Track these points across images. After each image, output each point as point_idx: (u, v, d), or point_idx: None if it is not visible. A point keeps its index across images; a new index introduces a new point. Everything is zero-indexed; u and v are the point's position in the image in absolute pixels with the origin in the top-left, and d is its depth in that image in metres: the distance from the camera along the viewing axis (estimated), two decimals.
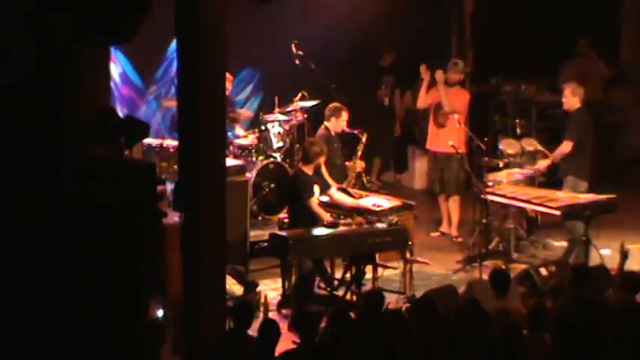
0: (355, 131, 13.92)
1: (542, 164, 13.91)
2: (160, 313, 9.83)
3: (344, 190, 13.14)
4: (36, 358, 8.25)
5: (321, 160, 12.63)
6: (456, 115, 14.31)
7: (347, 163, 13.84)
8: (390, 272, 12.87)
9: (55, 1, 8.32)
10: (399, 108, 17.07)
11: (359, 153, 13.94)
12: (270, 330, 8.97)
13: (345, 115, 13.52)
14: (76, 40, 8.60)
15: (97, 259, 8.29)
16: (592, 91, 16.19)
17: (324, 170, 12.94)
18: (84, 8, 8.22)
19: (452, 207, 14.78)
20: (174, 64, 14.41)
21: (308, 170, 12.49)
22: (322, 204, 12.49)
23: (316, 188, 12.44)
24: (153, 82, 15.74)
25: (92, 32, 8.43)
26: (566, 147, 13.50)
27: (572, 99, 13.65)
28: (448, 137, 14.30)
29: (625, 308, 8.97)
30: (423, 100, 14.80)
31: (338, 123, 13.51)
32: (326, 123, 13.57)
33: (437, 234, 14.86)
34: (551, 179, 13.99)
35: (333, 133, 13.50)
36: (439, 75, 14.56)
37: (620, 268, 10.94)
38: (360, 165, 14.09)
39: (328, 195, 12.72)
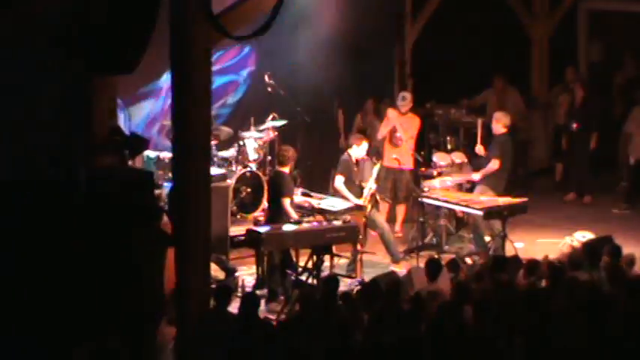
0: (373, 159, 13.76)
1: (475, 177, 13.90)
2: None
3: (307, 194, 13.23)
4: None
5: (292, 162, 12.66)
6: (399, 133, 14.42)
7: (363, 183, 13.34)
8: (344, 261, 12.99)
9: (75, 38, 8.41)
10: (341, 127, 16.67)
11: (374, 175, 13.36)
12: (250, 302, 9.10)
13: (364, 144, 13.32)
14: (91, 70, 8.71)
15: (109, 246, 8.40)
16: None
17: (343, 187, 13.00)
18: (99, 45, 8.31)
19: (399, 210, 14.77)
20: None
21: (285, 170, 12.52)
22: (293, 204, 12.55)
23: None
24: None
25: (104, 65, 8.53)
26: (494, 165, 13.63)
27: (495, 125, 13.80)
28: (399, 155, 14.35)
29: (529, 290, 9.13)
30: (383, 133, 14.76)
31: (359, 150, 13.29)
32: (349, 150, 13.41)
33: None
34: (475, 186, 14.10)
35: (353, 159, 13.30)
36: (390, 111, 14.65)
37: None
38: (374, 185, 13.46)
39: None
